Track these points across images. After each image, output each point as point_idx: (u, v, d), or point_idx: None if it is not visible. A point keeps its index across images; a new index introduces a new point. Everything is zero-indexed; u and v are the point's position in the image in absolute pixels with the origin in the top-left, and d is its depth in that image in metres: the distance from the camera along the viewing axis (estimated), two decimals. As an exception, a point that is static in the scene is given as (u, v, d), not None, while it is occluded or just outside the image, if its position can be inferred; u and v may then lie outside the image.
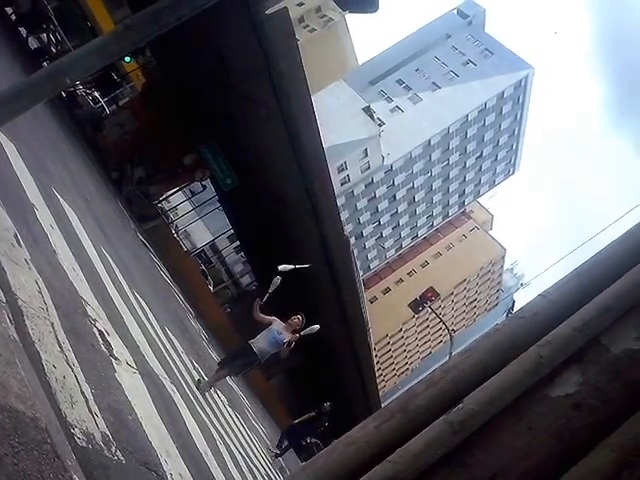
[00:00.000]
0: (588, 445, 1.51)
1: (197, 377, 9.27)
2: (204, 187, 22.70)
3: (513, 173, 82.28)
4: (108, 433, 3.65)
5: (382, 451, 1.55)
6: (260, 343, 9.66)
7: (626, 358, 1.61)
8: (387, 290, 73.68)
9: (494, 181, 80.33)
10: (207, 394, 9.18)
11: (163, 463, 4.17)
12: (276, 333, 9.67)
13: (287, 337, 9.70)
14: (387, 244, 73.13)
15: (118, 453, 3.60)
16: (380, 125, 60.58)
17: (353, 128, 55.93)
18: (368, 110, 59.54)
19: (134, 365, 5.18)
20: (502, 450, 1.53)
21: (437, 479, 1.52)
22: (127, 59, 21.33)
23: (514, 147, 77.08)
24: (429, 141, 64.11)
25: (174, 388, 6.30)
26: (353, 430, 1.64)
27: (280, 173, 18.70)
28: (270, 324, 9.83)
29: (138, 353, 5.74)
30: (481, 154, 72.89)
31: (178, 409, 5.78)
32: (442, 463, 1.53)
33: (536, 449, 1.53)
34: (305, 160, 17.97)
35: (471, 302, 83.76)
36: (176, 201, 25.35)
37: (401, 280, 74.28)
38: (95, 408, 3.73)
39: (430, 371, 2.08)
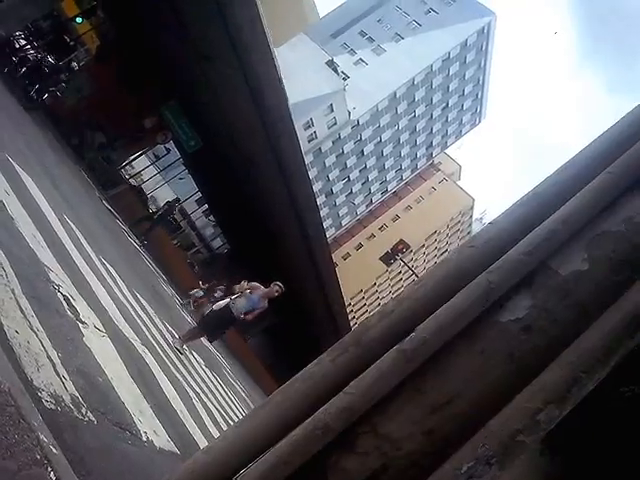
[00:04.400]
0: (540, 365, 1.55)
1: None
2: (168, 150, 22.28)
3: (479, 122, 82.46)
4: (78, 395, 3.64)
5: (338, 384, 1.56)
6: (238, 306, 9.75)
7: (574, 280, 1.64)
8: (359, 246, 74.12)
9: (461, 131, 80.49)
10: (183, 356, 9.26)
11: (137, 422, 4.18)
12: (255, 300, 9.77)
13: (262, 305, 9.82)
14: (357, 200, 73.17)
15: (89, 414, 3.60)
16: (344, 79, 59.79)
17: (317, 83, 55.09)
18: (332, 64, 58.61)
19: (102, 328, 5.15)
20: (456, 375, 1.56)
21: (393, 408, 1.54)
22: (79, 20, 20.55)
23: (479, 96, 77.02)
24: (395, 93, 63.65)
25: (145, 349, 6.29)
26: (308, 366, 1.65)
27: (245, 131, 18.43)
28: (251, 291, 9.88)
29: (106, 317, 5.69)
30: (447, 104, 72.74)
31: (151, 369, 5.79)
32: (397, 392, 1.55)
33: (489, 372, 1.56)
34: (269, 116, 17.70)
35: (442, 253, 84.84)
36: (140, 166, 24.85)
37: (373, 235, 74.74)
38: (63, 371, 3.71)
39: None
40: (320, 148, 61.41)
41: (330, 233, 66.16)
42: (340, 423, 1.48)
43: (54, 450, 2.57)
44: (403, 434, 1.50)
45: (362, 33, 67.62)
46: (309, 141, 57.80)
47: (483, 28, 66.92)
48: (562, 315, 1.60)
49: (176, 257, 22.11)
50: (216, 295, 18.96)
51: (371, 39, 66.76)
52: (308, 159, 53.85)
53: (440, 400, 1.52)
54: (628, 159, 1.76)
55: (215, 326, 10.44)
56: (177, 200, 22.36)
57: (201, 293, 18.02)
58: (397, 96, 64.29)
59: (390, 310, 1.68)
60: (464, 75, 70.75)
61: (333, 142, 62.56)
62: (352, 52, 66.01)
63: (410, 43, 64.63)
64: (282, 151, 19.22)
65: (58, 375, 3.58)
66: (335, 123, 60.15)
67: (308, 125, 56.80)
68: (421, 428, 1.51)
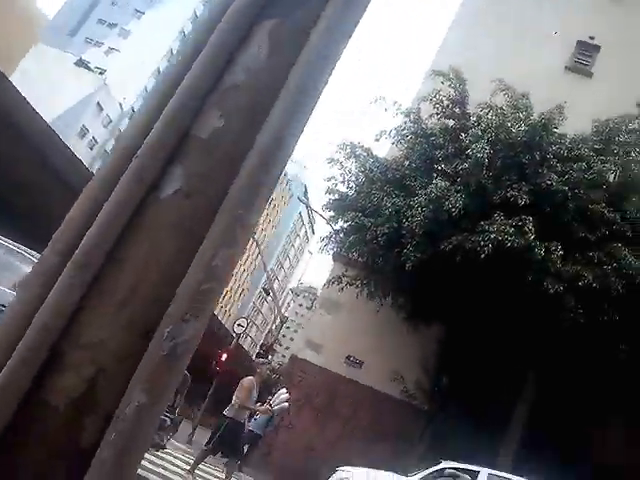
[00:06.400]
0: (208, 224, 1.63)
1: None
2: None
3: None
4: None
5: (29, 315, 1.54)
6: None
7: (214, 138, 1.74)
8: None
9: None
10: None
11: None
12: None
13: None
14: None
15: None
16: (101, 73, 56.67)
17: (73, 87, 51.55)
18: (81, 63, 55.08)
19: None
20: (134, 265, 1.60)
21: (87, 316, 1.55)
22: None
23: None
24: (158, 69, 61.77)
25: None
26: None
27: (9, 162, 16.99)
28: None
29: None
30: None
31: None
32: (87, 301, 1.56)
33: (164, 248, 1.62)
34: (32, 139, 16.49)
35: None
36: None
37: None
38: None
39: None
40: (106, 150, 58.35)
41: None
42: (37, 347, 1.47)
43: None
44: (105, 336, 1.53)
45: (101, 21, 64.04)
46: (91, 148, 54.53)
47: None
48: (212, 173, 1.70)
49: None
50: None
51: (112, 24, 63.55)
52: (98, 165, 51.00)
53: (126, 292, 1.57)
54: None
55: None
56: None
57: None
58: (161, 71, 62.49)
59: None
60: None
61: (115, 140, 59.72)
62: (98, 44, 62.50)
63: (152, 16, 62.57)
64: (59, 172, 18.15)
65: None
66: (110, 120, 57.24)
67: (83, 133, 53.41)
68: (119, 323, 1.55)
